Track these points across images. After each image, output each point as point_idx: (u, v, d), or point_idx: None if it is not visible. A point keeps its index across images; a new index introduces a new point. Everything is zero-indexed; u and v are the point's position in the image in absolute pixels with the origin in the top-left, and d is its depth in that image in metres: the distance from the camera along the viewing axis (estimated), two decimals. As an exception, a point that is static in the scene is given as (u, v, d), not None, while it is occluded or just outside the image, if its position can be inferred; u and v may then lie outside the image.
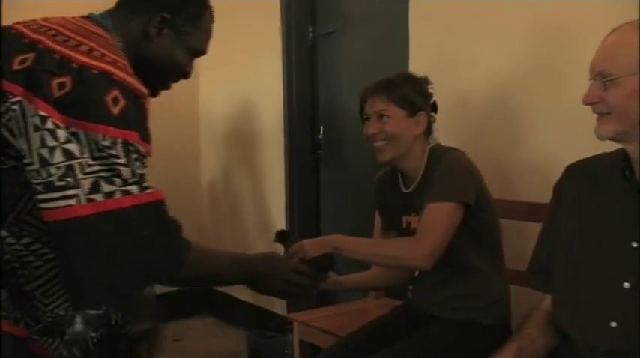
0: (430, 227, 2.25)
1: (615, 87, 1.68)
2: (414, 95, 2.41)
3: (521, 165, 2.78)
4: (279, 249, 2.43)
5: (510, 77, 2.83)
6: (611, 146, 1.82)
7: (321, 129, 4.08)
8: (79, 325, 1.87)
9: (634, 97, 1.67)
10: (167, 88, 1.97)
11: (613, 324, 1.73)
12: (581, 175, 1.92)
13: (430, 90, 2.47)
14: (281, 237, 2.44)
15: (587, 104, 1.74)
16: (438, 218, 2.26)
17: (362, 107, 2.47)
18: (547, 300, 1.95)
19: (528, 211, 2.53)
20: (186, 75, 1.96)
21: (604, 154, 1.87)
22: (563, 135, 2.54)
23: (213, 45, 4.23)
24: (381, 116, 2.40)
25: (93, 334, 1.88)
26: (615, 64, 1.68)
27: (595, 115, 1.75)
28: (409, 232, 2.44)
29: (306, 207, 4.18)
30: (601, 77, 1.71)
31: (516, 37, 2.80)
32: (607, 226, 1.80)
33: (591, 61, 1.75)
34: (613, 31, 1.74)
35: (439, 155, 2.38)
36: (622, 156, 1.79)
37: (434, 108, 2.49)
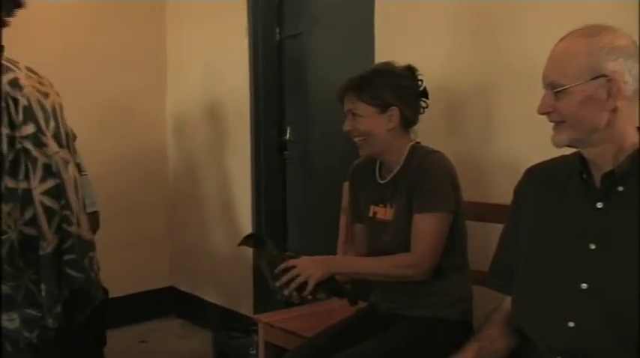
0: (424, 240, 2.33)
1: (567, 96, 1.72)
2: (386, 91, 2.42)
3: (491, 165, 2.80)
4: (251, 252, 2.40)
5: (478, 76, 2.85)
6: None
7: (288, 131, 4.08)
8: (16, 322, 1.88)
9: (585, 104, 1.71)
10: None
11: (571, 324, 1.76)
12: (540, 178, 1.95)
13: (419, 77, 2.51)
14: (254, 240, 2.40)
15: (542, 114, 1.78)
16: (430, 230, 2.34)
17: (341, 100, 2.51)
18: (508, 301, 1.98)
19: (497, 213, 2.53)
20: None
21: (563, 157, 1.90)
22: (532, 136, 2.55)
23: (180, 45, 4.22)
24: (354, 114, 2.44)
25: (27, 334, 1.90)
26: (564, 74, 1.72)
27: None
28: (374, 222, 2.50)
29: (273, 207, 4.18)
30: (552, 87, 1.74)
31: (483, 35, 2.82)
32: (565, 228, 1.82)
33: (543, 70, 1.78)
34: (562, 39, 1.78)
35: (422, 157, 2.42)
36: (579, 159, 1.82)
37: (423, 94, 2.52)
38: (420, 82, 2.52)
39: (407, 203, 2.40)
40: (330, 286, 2.34)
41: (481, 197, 2.71)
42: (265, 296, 4.13)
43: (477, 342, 1.93)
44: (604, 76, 1.69)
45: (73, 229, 2.69)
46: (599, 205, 1.76)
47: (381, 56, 3.19)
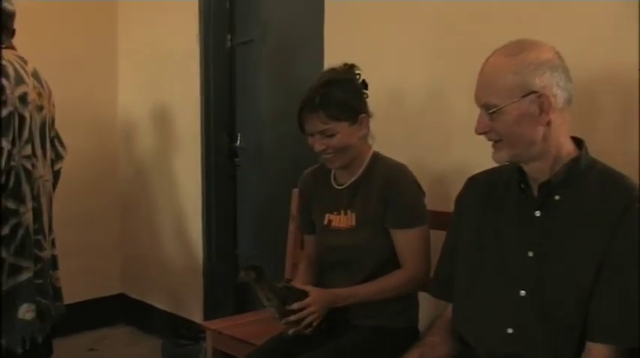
0: (415, 254, 2.37)
1: (501, 116, 1.75)
2: (351, 100, 2.39)
3: (448, 173, 2.79)
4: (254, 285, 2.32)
5: (432, 81, 2.85)
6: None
7: (239, 137, 4.08)
8: None
9: (520, 122, 1.74)
10: None
11: (510, 330, 1.80)
12: (480, 187, 1.99)
13: (357, 72, 2.47)
14: (256, 274, 2.30)
15: (479, 134, 1.81)
16: (419, 244, 2.38)
17: (301, 124, 2.41)
18: (450, 309, 2.01)
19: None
20: None
21: (503, 166, 1.94)
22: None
23: (132, 51, 4.16)
24: (328, 135, 2.36)
25: None
26: (496, 94, 1.75)
27: None
28: (329, 230, 2.48)
29: (223, 213, 4.18)
30: (486, 108, 1.77)
31: (436, 40, 2.83)
32: (505, 236, 1.86)
33: (475, 91, 1.81)
34: (487, 59, 1.80)
35: (388, 169, 2.42)
36: (517, 168, 1.85)
37: (364, 86, 2.48)
38: (358, 76, 2.48)
39: (373, 213, 2.39)
40: (329, 317, 2.37)
41: (437, 205, 2.70)
42: (215, 303, 4.13)
43: (418, 348, 1.96)
44: (534, 92, 1.73)
45: (44, 254, 2.75)
46: (537, 214, 1.80)
47: (331, 63, 3.19)
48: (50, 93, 2.96)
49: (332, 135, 2.36)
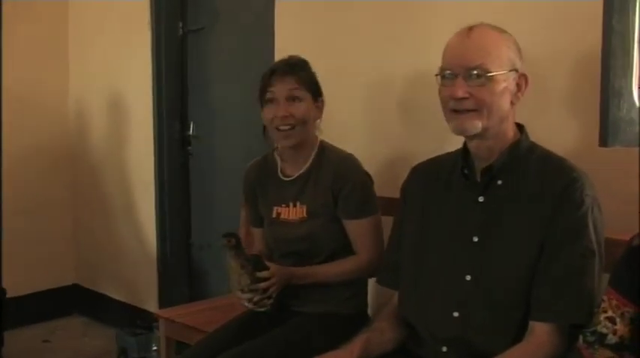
0: (368, 243, 2.38)
1: (491, 83, 1.75)
2: (315, 79, 2.42)
3: (403, 161, 2.80)
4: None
5: (383, 72, 2.87)
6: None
7: (191, 126, 4.07)
8: None
9: (503, 94, 1.76)
10: None
11: (455, 314, 1.83)
12: (424, 175, 2.01)
13: None
14: (236, 240, 2.28)
15: (459, 99, 1.76)
16: (371, 231, 2.39)
17: (266, 88, 2.38)
18: (397, 296, 2.03)
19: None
20: None
21: (447, 154, 1.96)
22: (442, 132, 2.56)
23: (82, 39, 4.15)
24: (293, 98, 2.35)
25: None
26: (491, 60, 1.75)
27: None
28: (278, 223, 2.47)
29: (176, 203, 4.16)
30: (474, 73, 1.74)
31: (384, 32, 2.85)
32: (450, 222, 1.89)
33: (455, 57, 1.78)
34: (470, 29, 1.79)
35: (337, 160, 2.42)
36: (461, 154, 1.87)
37: None
38: None
39: (324, 203, 2.40)
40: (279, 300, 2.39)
41: (387, 192, 2.69)
42: (169, 292, 4.12)
43: (366, 333, 1.98)
44: (516, 70, 1.78)
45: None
46: (481, 199, 1.83)
47: (281, 51, 3.20)
48: None
49: (298, 102, 2.35)
